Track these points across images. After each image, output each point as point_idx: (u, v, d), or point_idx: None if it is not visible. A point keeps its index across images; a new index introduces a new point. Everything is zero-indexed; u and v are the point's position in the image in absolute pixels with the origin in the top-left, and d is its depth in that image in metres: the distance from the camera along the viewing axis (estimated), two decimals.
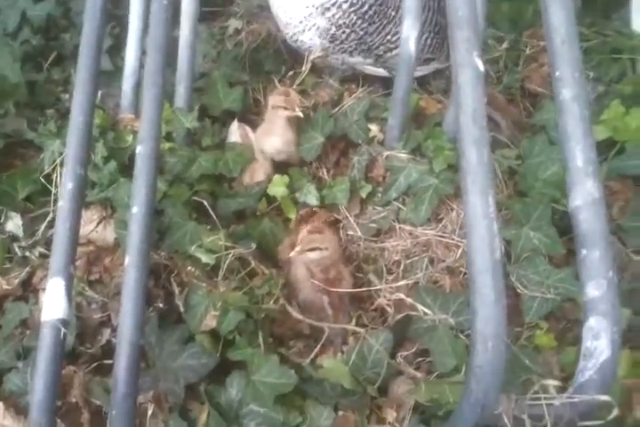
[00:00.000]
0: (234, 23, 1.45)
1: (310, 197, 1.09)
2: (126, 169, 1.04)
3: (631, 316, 0.93)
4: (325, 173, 1.18)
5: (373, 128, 1.19)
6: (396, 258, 1.05)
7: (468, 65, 0.66)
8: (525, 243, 1.00)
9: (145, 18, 1.14)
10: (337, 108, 1.24)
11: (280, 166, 1.16)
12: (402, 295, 0.95)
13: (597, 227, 0.62)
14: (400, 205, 1.11)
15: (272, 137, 1.15)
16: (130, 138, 1.08)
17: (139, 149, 0.85)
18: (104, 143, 1.05)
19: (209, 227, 0.97)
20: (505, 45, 1.40)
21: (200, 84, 1.31)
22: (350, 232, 1.09)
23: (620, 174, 1.12)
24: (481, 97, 0.66)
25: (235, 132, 1.16)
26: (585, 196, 0.63)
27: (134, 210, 0.81)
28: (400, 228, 1.09)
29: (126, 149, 1.07)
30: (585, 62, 1.33)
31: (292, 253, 0.94)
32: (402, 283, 1.02)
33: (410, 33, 1.01)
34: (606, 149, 1.15)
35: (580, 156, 0.64)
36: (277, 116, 1.13)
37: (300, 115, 1.13)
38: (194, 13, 1.16)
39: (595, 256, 0.61)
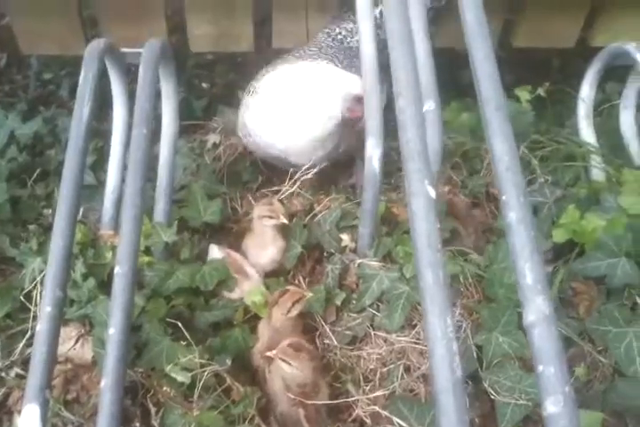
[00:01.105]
0: (212, 138, 1.54)
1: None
2: (105, 285, 1.07)
3: (605, 417, 0.94)
4: (302, 280, 1.22)
5: (345, 237, 1.24)
6: (373, 366, 1.06)
7: (420, 193, 0.72)
8: (496, 348, 1.02)
9: (126, 139, 1.22)
10: (310, 218, 1.30)
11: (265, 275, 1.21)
12: (378, 409, 0.95)
13: (550, 343, 0.65)
14: (374, 312, 1.14)
15: (268, 248, 1.20)
16: (109, 254, 1.12)
17: (117, 269, 0.88)
18: (84, 261, 1.08)
19: (185, 343, 0.98)
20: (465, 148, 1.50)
21: (180, 195, 1.37)
22: (327, 341, 1.11)
23: (583, 276, 1.16)
24: (434, 221, 0.71)
25: (216, 255, 1.20)
26: (537, 312, 0.67)
27: (111, 331, 0.83)
28: (375, 334, 1.11)
29: (105, 266, 1.10)
30: (543, 168, 1.43)
31: (267, 354, 0.96)
32: (379, 393, 1.03)
33: (373, 152, 1.08)
34: (568, 251, 1.21)
35: (529, 274, 0.69)
36: (265, 226, 1.19)
37: (286, 222, 1.19)
38: (173, 134, 1.25)
39: (550, 372, 0.64)
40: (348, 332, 1.12)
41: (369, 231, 1.20)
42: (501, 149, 0.76)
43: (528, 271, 0.69)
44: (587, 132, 1.44)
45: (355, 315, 1.14)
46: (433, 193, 0.73)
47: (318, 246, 1.25)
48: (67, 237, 0.91)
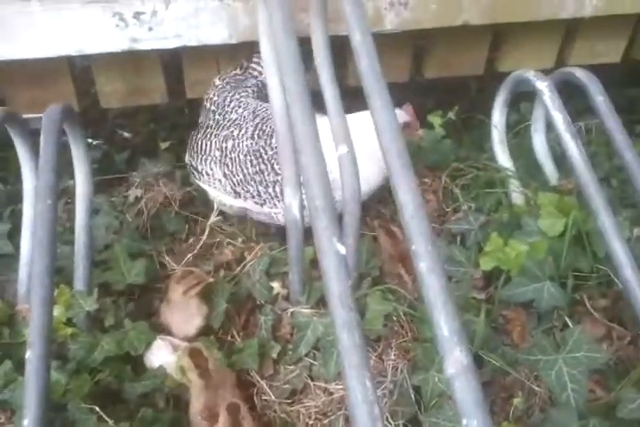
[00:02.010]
0: (134, 192, 1.51)
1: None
2: (24, 365, 1.01)
3: None
4: (236, 335, 1.19)
5: (275, 285, 1.22)
6: (313, 421, 1.04)
7: (330, 251, 0.71)
8: (434, 387, 1.02)
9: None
10: (239, 268, 1.28)
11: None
12: None
13: (472, 396, 0.64)
14: (311, 361, 1.12)
15: (194, 319, 1.16)
16: (27, 331, 1.06)
17: (28, 353, 0.84)
18: None
19: (112, 421, 0.94)
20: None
21: (104, 255, 1.33)
22: (265, 397, 1.08)
23: (512, 302, 1.18)
24: (345, 280, 0.70)
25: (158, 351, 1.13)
26: (456, 364, 0.66)
27: (25, 422, 0.79)
28: (314, 385, 1.09)
29: (23, 344, 1.04)
30: (465, 195, 1.46)
31: None
32: None
33: (292, 201, 1.08)
34: (496, 278, 1.23)
35: (444, 325, 0.68)
36: (190, 297, 1.16)
37: (211, 280, 1.17)
38: (87, 198, 1.22)
39: (474, 425, 0.63)
40: (286, 386, 1.09)
41: (298, 277, 1.18)
42: (405, 198, 0.76)
43: (443, 323, 0.68)
44: (503, 157, 1.48)
45: (292, 367, 1.12)
46: (343, 250, 0.72)
47: (250, 298, 1.23)
48: None
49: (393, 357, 1.07)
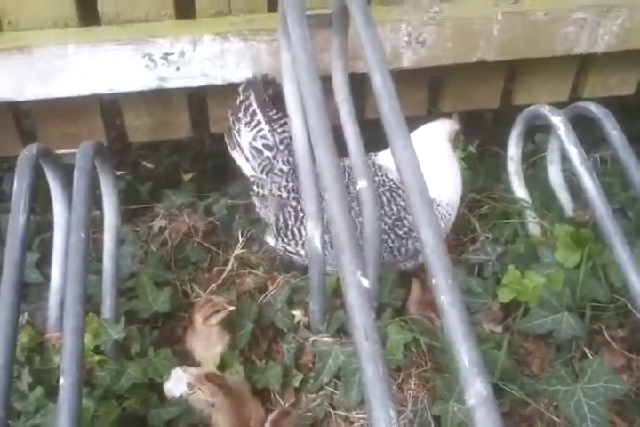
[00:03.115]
0: (158, 222, 1.55)
1: (238, 377, 1.11)
2: (54, 392, 1.04)
3: None
4: (257, 359, 1.21)
5: (297, 313, 1.25)
6: None
7: (354, 284, 0.74)
8: (453, 417, 1.03)
9: (68, 240, 1.21)
10: (262, 297, 1.31)
11: None
12: None
13: (492, 426, 0.66)
14: (333, 390, 1.14)
15: (216, 347, 1.19)
16: (57, 359, 1.10)
17: (62, 381, 0.86)
18: (30, 368, 1.06)
19: None
20: None
21: (130, 284, 1.36)
22: None
23: (531, 333, 1.20)
24: (369, 313, 0.73)
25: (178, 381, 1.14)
26: (476, 395, 0.68)
27: None
28: (335, 414, 1.11)
29: (53, 371, 1.08)
30: (482, 226, 1.49)
31: None
32: None
33: (314, 233, 1.11)
34: (514, 309, 1.24)
35: (464, 357, 0.70)
36: (211, 326, 1.19)
37: (232, 308, 1.20)
38: (115, 230, 1.26)
39: None
40: (308, 414, 1.11)
41: (319, 307, 1.21)
42: (426, 234, 0.79)
43: (464, 354, 0.71)
44: (518, 189, 1.51)
45: (313, 395, 1.13)
46: (366, 283, 0.75)
47: (272, 326, 1.25)
48: (8, 351, 0.89)
49: (413, 386, 1.08)
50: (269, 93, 1.37)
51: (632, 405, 1.07)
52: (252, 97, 1.34)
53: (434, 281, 0.77)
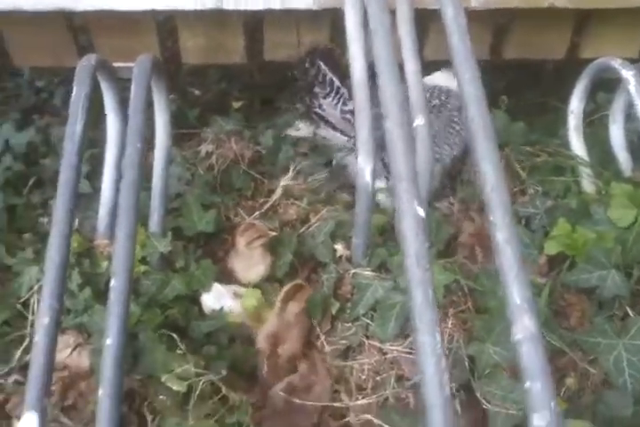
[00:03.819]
0: (205, 147, 1.56)
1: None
2: (101, 295, 1.07)
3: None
4: None
5: (339, 247, 1.26)
6: (365, 376, 1.08)
7: (409, 213, 0.74)
8: (488, 358, 1.04)
9: (120, 152, 1.22)
10: (304, 228, 1.32)
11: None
12: (370, 416, 0.98)
13: (537, 361, 0.67)
14: (368, 321, 1.15)
15: (258, 266, 1.22)
16: (105, 264, 1.13)
17: (112, 282, 0.89)
18: (79, 271, 1.10)
19: (180, 352, 1.00)
20: None
21: (175, 204, 1.38)
22: (324, 350, 1.12)
23: (575, 287, 1.19)
24: (423, 241, 0.72)
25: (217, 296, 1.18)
26: (524, 331, 0.69)
27: (108, 342, 0.85)
28: (369, 344, 1.13)
29: (101, 275, 1.11)
30: (532, 179, 1.46)
31: None
32: (371, 401, 1.05)
33: (365, 166, 1.10)
34: (560, 262, 1.23)
35: (516, 294, 0.70)
36: (253, 248, 1.21)
37: (275, 234, 1.22)
38: (167, 147, 1.27)
39: (537, 388, 0.65)
40: (342, 341, 1.13)
41: (362, 242, 1.21)
42: (488, 170, 0.78)
43: (515, 291, 0.71)
44: (577, 145, 1.47)
45: (349, 324, 1.15)
46: (422, 213, 0.75)
47: (312, 257, 1.27)
48: (62, 250, 0.92)
49: (450, 325, 1.09)
50: (335, 61, 1.36)
51: None
52: (323, 66, 1.33)
53: (491, 218, 0.76)
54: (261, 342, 1.09)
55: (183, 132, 1.66)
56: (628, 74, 1.26)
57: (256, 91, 1.86)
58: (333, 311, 1.15)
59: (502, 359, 1.03)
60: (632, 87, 1.25)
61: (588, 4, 1.45)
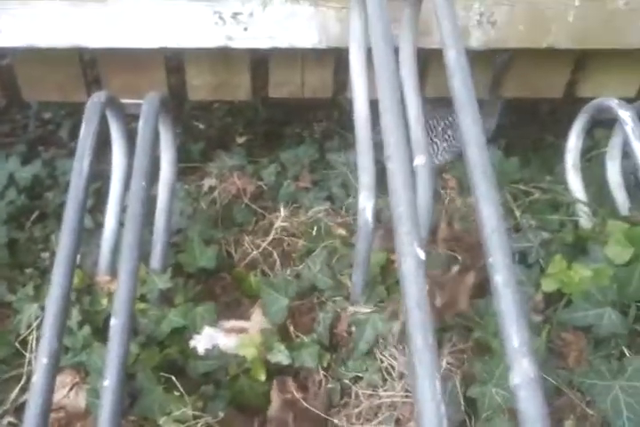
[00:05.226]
0: (208, 181, 1.58)
1: (281, 356, 1.12)
2: (100, 332, 1.08)
3: None
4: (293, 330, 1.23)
5: (339, 282, 1.26)
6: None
7: (410, 255, 0.75)
8: (490, 401, 1.03)
9: (125, 188, 1.24)
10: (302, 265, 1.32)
11: None
12: None
13: (535, 406, 0.67)
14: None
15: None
16: (105, 301, 1.13)
17: (112, 321, 0.90)
18: (80, 308, 1.10)
19: (178, 393, 0.99)
20: None
21: (177, 239, 1.40)
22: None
23: (571, 325, 1.19)
24: (423, 283, 0.73)
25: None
26: (522, 375, 0.69)
27: (106, 383, 0.85)
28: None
29: (101, 313, 1.12)
30: (526, 215, 1.47)
31: None
32: None
33: (366, 204, 1.12)
34: (557, 300, 1.24)
35: (515, 337, 0.71)
36: None
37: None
38: (171, 183, 1.29)
39: None
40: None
41: (361, 279, 1.22)
42: (488, 212, 0.79)
43: (514, 334, 0.71)
44: (574, 182, 1.48)
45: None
46: (422, 255, 0.75)
47: (311, 293, 1.27)
48: (64, 288, 0.93)
49: (447, 365, 1.09)
50: None
51: None
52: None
53: (490, 260, 0.77)
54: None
55: (187, 166, 1.68)
56: (625, 114, 1.29)
57: (260, 125, 1.89)
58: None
59: (504, 402, 1.03)
60: (629, 128, 1.27)
61: (587, 44, 1.48)
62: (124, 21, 1.30)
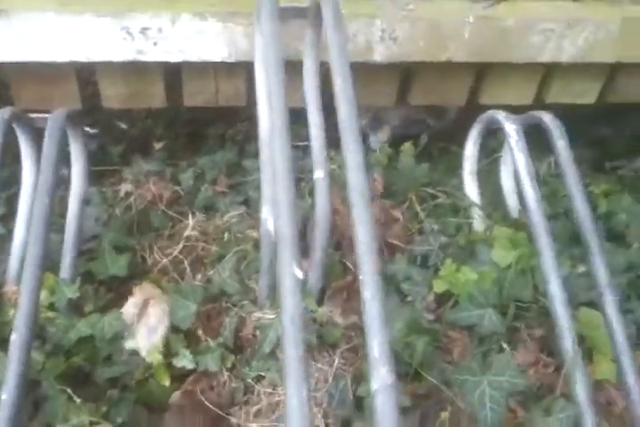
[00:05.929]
0: (125, 187, 1.61)
1: (185, 361, 1.18)
2: (6, 343, 1.11)
3: None
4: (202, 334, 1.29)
5: (247, 287, 1.33)
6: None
7: (288, 274, 0.82)
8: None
9: (33, 200, 1.26)
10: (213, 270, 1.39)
11: None
12: None
13: (390, 410, 0.75)
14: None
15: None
16: (12, 312, 1.16)
17: (13, 336, 0.94)
18: None
19: (79, 400, 1.04)
20: None
21: (89, 246, 1.43)
22: None
23: (456, 324, 1.30)
24: (299, 301, 0.81)
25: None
26: (380, 381, 0.78)
27: (4, 397, 0.89)
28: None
29: (7, 324, 1.15)
30: (430, 218, 1.58)
31: None
32: None
33: (267, 217, 1.19)
34: (447, 300, 1.35)
35: (376, 348, 0.79)
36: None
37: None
38: (81, 196, 1.32)
39: None
40: None
41: (267, 284, 1.29)
42: (362, 233, 0.87)
43: (376, 346, 0.80)
44: (470, 187, 1.60)
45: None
46: (300, 274, 0.83)
47: (220, 297, 1.34)
48: None
49: (339, 364, 1.18)
50: None
51: (532, 396, 1.18)
52: None
53: (361, 277, 0.85)
54: None
55: (107, 169, 1.70)
56: (510, 128, 1.40)
57: (182, 127, 1.92)
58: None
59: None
60: (512, 140, 1.38)
61: (482, 58, 1.58)
62: (29, 36, 1.31)
